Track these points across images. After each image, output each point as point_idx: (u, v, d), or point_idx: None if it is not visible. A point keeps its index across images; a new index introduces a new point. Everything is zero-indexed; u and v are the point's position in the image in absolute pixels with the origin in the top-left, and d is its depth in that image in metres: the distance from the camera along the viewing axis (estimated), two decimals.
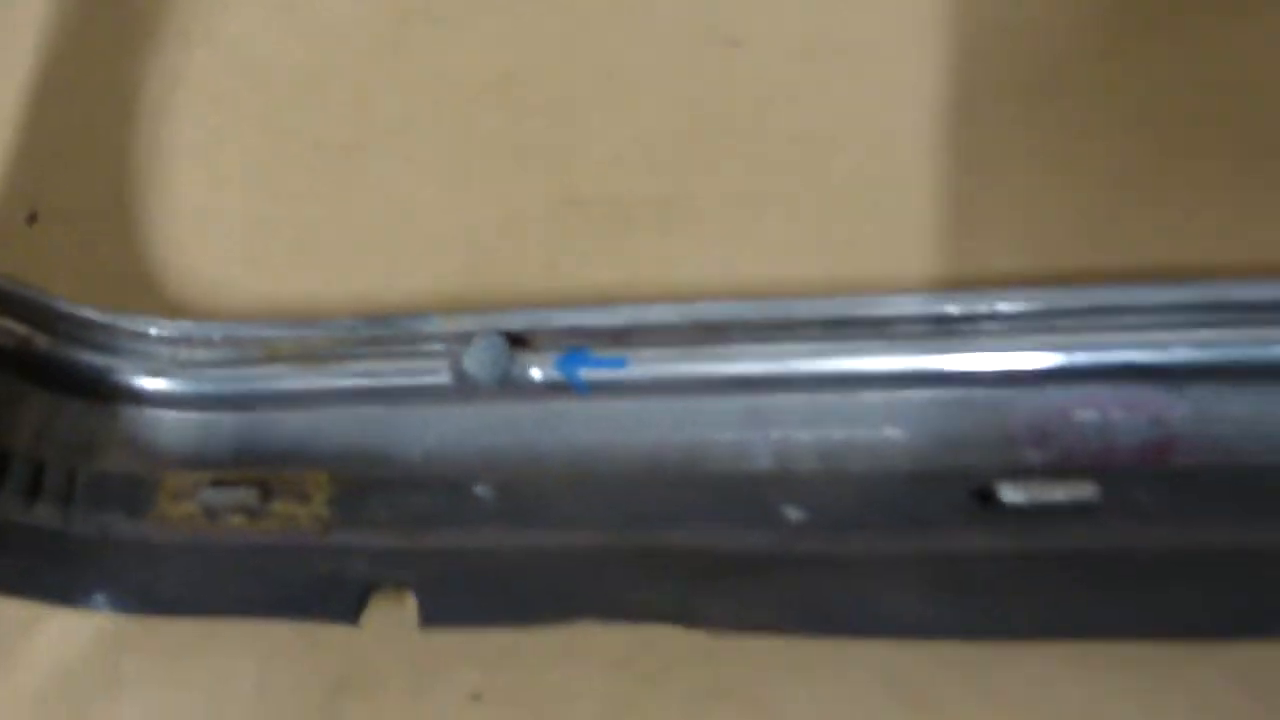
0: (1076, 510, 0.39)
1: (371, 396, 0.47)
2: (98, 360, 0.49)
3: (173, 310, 0.52)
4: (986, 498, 0.40)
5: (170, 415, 0.49)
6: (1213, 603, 0.38)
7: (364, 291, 0.51)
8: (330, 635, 0.45)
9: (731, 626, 0.41)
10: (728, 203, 0.51)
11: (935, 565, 0.39)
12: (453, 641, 0.44)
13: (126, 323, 0.49)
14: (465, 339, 0.45)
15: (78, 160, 0.57)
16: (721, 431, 0.44)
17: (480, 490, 0.45)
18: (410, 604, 0.43)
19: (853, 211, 0.49)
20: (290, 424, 0.48)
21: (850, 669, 0.42)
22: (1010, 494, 0.39)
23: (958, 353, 0.42)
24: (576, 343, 0.45)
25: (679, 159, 0.52)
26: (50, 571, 0.45)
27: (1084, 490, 0.39)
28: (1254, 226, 0.45)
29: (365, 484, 0.46)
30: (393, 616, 0.44)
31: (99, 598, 0.45)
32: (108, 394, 0.49)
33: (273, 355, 0.48)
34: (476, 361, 0.45)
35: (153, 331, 0.49)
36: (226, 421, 0.49)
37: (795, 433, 0.44)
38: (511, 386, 0.45)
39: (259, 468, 0.47)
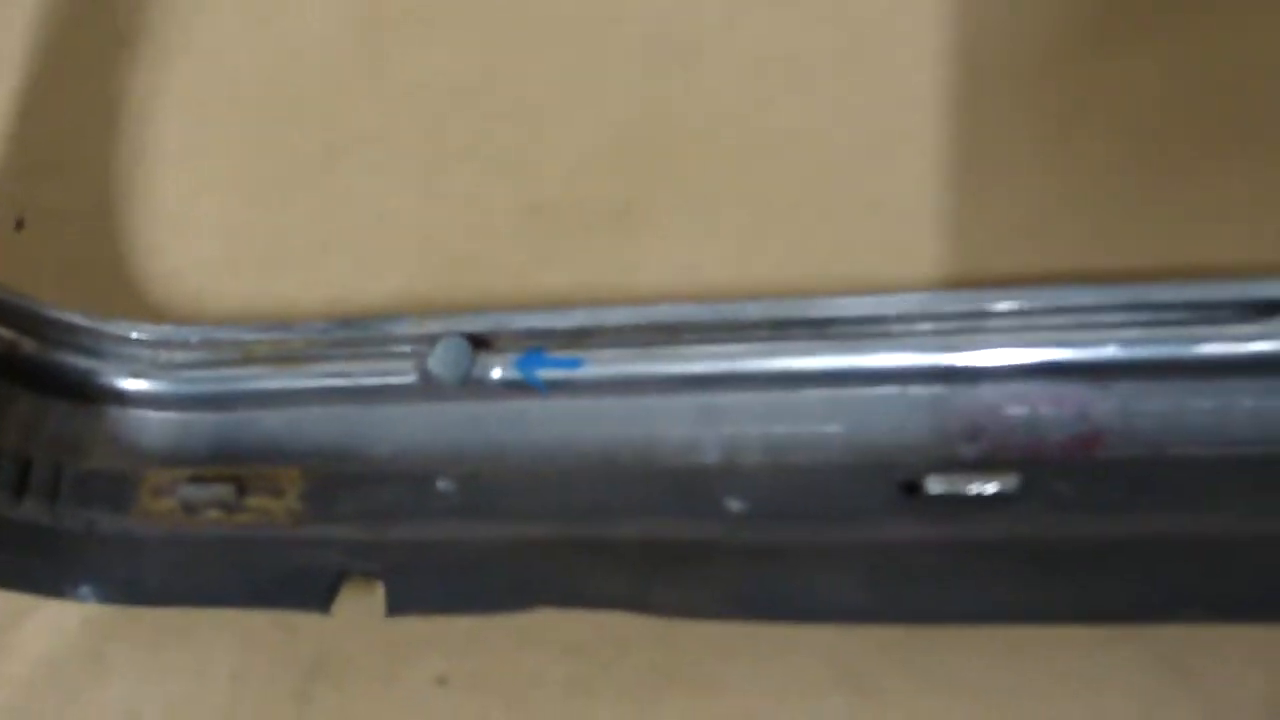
0: (999, 500, 0.40)
1: (341, 396, 0.48)
2: (82, 363, 0.50)
3: (154, 314, 0.53)
4: (914, 489, 0.41)
5: (152, 415, 0.50)
6: (1132, 587, 0.38)
7: (335, 295, 0.52)
8: (303, 622, 0.47)
9: (681, 612, 0.42)
10: (687, 208, 0.51)
11: (868, 553, 0.40)
12: (419, 628, 0.45)
13: (110, 327, 0.49)
14: (430, 341, 0.46)
15: (63, 169, 0.58)
16: (673, 428, 0.45)
17: (444, 484, 0.46)
18: (379, 593, 0.44)
19: (803, 216, 0.50)
20: (265, 422, 0.49)
21: (794, 652, 0.43)
22: (935, 485, 0.41)
23: (895, 352, 0.43)
24: (535, 344, 0.46)
25: (640, 167, 0.52)
26: (38, 564, 0.46)
27: (1006, 481, 0.40)
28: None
29: (336, 479, 0.47)
30: (362, 605, 0.45)
31: (85, 589, 0.46)
32: (92, 395, 0.50)
33: (249, 357, 0.49)
34: (440, 362, 0.46)
35: (135, 335, 0.49)
36: (205, 421, 0.50)
37: (742, 429, 0.45)
38: (473, 386, 0.46)
39: (235, 464, 0.48)
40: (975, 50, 0.50)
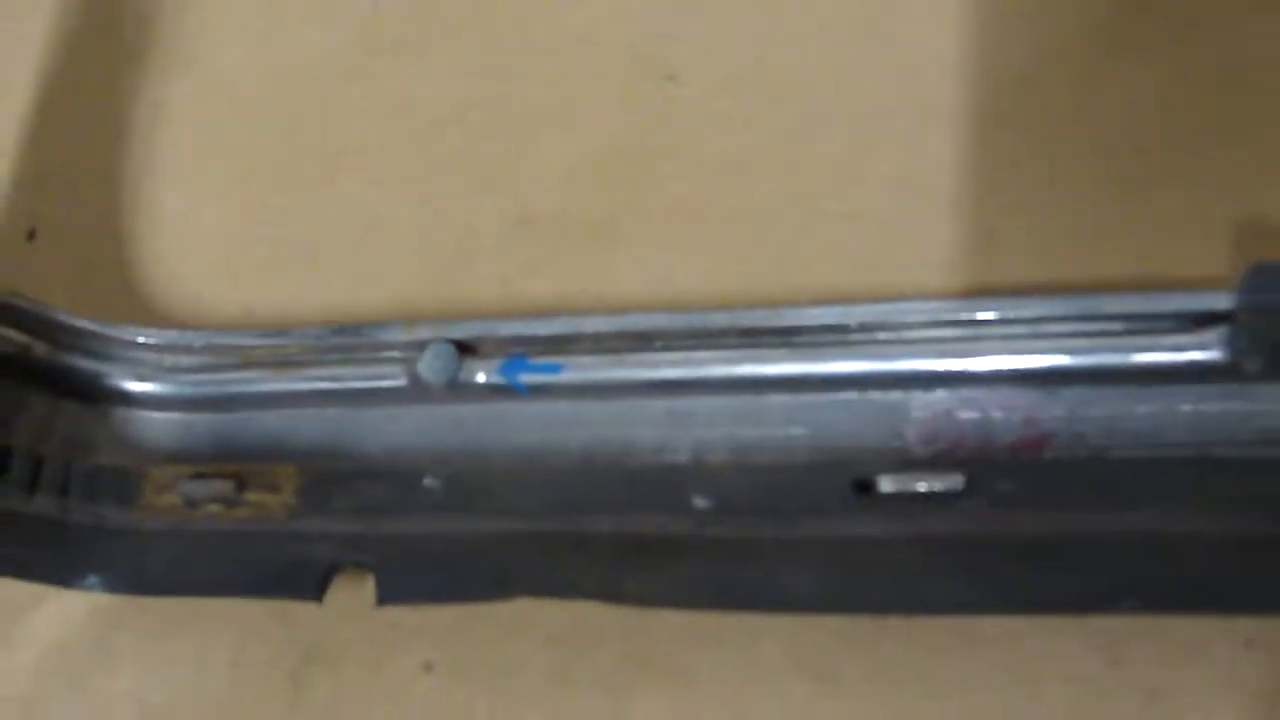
0: (946, 498, 0.42)
1: (335, 398, 0.49)
2: (91, 366, 0.51)
3: (159, 320, 0.54)
4: (867, 488, 0.42)
5: (156, 415, 0.51)
6: (1073, 581, 0.39)
7: (330, 302, 0.53)
8: (298, 612, 0.47)
9: (652, 602, 0.43)
10: (668, 221, 0.52)
11: (825, 548, 0.42)
12: (407, 617, 0.47)
13: (117, 332, 0.50)
14: (419, 347, 0.47)
15: (73, 182, 0.59)
16: (645, 430, 0.46)
17: (431, 482, 0.47)
18: (369, 584, 0.44)
19: (777, 231, 0.51)
20: (263, 423, 0.50)
21: (758, 641, 0.44)
22: (886, 484, 0.42)
23: (856, 359, 0.45)
24: (518, 350, 0.47)
25: (623, 182, 0.53)
26: (49, 556, 0.47)
27: (952, 480, 0.42)
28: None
29: (329, 476, 0.48)
30: (353, 595, 0.45)
31: (93, 579, 0.47)
32: (100, 396, 0.51)
33: (248, 361, 0.50)
34: (429, 367, 0.47)
35: (141, 340, 0.50)
36: (206, 421, 0.51)
37: (711, 431, 0.46)
38: (459, 389, 0.47)
39: (235, 462, 0.49)
40: (947, 69, 0.51)
